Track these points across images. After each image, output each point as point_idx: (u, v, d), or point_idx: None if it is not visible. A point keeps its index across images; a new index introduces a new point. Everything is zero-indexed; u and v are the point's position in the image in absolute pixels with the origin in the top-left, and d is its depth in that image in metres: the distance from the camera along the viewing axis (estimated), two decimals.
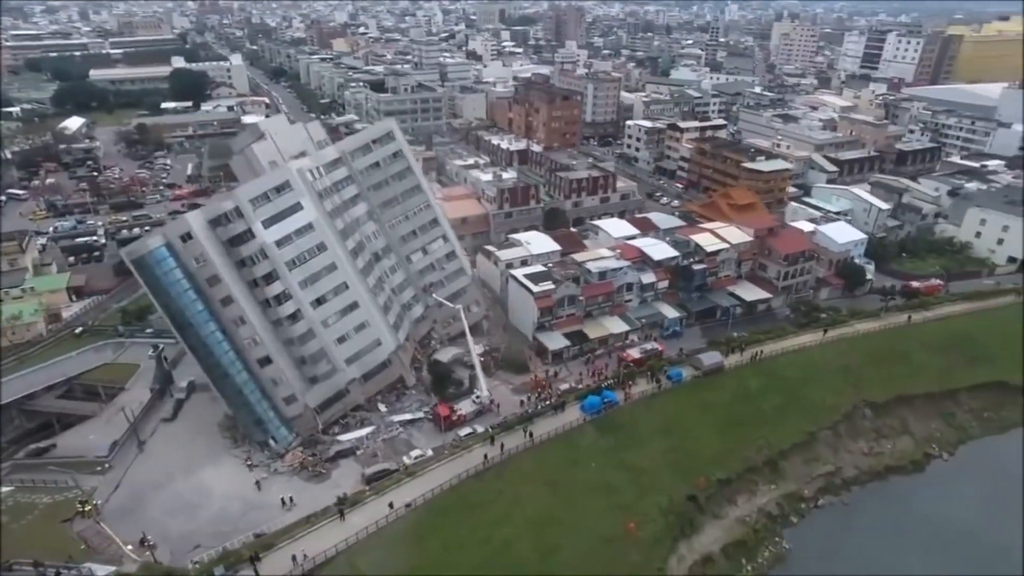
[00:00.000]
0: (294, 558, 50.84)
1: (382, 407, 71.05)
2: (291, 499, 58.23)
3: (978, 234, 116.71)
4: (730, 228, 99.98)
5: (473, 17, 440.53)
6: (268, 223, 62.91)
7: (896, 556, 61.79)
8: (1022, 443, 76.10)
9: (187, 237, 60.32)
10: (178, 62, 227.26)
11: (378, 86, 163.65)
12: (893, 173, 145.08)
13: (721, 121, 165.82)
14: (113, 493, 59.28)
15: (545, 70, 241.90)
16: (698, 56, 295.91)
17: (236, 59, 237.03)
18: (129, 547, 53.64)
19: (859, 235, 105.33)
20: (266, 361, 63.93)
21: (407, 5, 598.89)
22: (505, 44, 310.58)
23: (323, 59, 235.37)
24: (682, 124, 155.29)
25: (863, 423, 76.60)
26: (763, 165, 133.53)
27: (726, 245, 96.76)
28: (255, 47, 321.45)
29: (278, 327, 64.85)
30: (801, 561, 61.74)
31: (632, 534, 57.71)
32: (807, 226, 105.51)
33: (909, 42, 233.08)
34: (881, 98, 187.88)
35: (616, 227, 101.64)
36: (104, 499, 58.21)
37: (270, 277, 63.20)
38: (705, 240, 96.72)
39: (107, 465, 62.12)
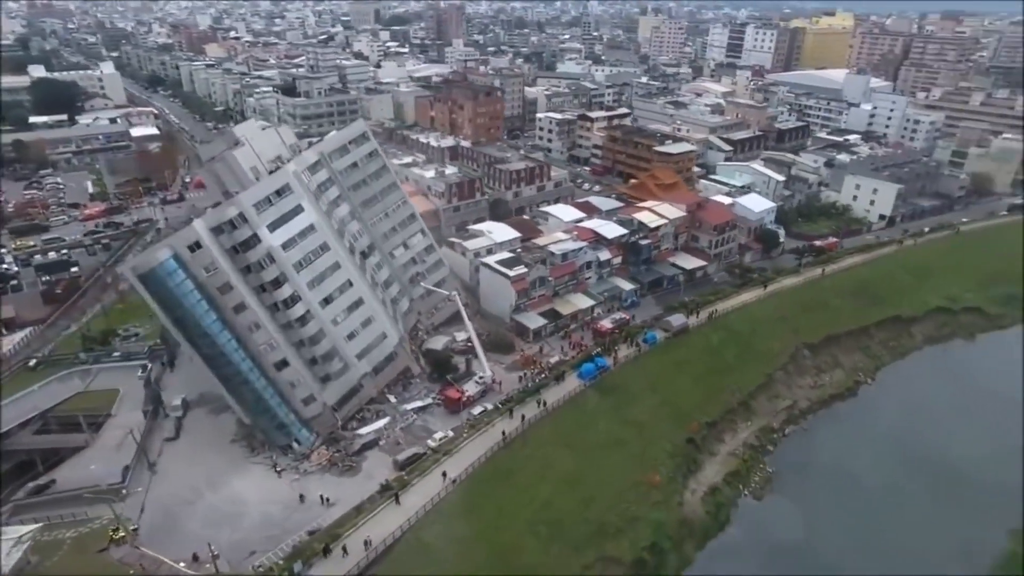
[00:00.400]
0: (366, 543, 52.73)
1: (392, 398, 73.05)
2: (327, 499, 59.02)
3: (855, 197, 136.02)
4: (664, 205, 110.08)
5: (346, 18, 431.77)
6: (272, 227, 63.10)
7: (852, 462, 73.59)
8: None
9: (196, 247, 59.26)
10: (38, 71, 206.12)
11: (289, 90, 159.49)
12: (774, 150, 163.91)
13: (626, 110, 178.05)
14: (141, 516, 57.31)
15: (438, 69, 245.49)
16: (579, 50, 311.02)
17: (108, 67, 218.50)
18: (182, 564, 52.74)
19: (770, 204, 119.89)
20: (283, 364, 64.10)
21: (269, 7, 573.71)
22: (389, 45, 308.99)
23: (209, 66, 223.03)
24: (592, 114, 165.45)
25: (805, 362, 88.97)
26: (672, 148, 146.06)
27: (664, 221, 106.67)
28: (116, 54, 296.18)
29: (288, 330, 65.08)
30: (783, 479, 71.76)
31: (654, 483, 64.59)
32: (725, 199, 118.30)
33: (765, 33, 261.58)
34: (754, 84, 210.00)
35: (564, 212, 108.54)
36: (135, 523, 56.21)
37: (278, 281, 63.30)
38: (647, 217, 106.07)
39: (124, 491, 59.66)
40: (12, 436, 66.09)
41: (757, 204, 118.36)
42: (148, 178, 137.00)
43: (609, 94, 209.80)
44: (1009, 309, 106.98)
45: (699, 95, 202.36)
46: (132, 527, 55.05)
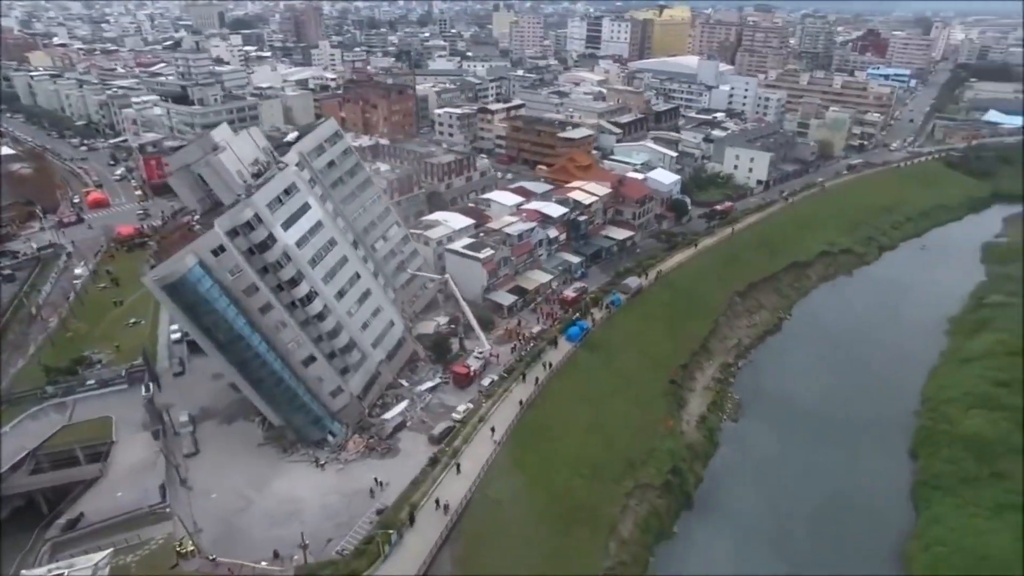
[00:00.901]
0: (437, 502, 56.41)
1: (404, 382, 75.65)
2: (381, 482, 61.25)
3: (735, 167, 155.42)
4: (591, 184, 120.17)
5: (184, 22, 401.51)
6: (285, 226, 63.52)
7: (793, 380, 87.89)
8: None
9: (219, 251, 58.49)
10: None
11: (180, 98, 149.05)
12: (654, 130, 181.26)
13: (520, 101, 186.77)
14: (197, 529, 56.15)
15: (312, 72, 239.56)
16: (443, 47, 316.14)
17: None
18: (263, 563, 53.03)
19: (676, 177, 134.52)
20: (310, 360, 64.78)
21: (81, 9, 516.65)
22: (246, 48, 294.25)
23: (54, 76, 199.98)
24: (492, 107, 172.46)
25: (738, 307, 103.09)
26: (573, 133, 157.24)
27: (595, 198, 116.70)
28: None
29: (307, 327, 65.73)
30: (748, 403, 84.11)
31: (669, 427, 73.66)
32: (638, 175, 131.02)
33: (620, 25, 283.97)
34: (624, 72, 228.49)
35: (504, 197, 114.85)
36: (195, 537, 55.10)
37: (295, 279, 63.82)
38: (580, 196, 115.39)
39: (168, 509, 57.78)
40: (6, 480, 60.67)
41: (665, 178, 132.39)
42: (30, 201, 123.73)
43: (492, 88, 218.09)
44: (871, 248, 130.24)
45: (577, 84, 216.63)
46: (197, 539, 53.99)
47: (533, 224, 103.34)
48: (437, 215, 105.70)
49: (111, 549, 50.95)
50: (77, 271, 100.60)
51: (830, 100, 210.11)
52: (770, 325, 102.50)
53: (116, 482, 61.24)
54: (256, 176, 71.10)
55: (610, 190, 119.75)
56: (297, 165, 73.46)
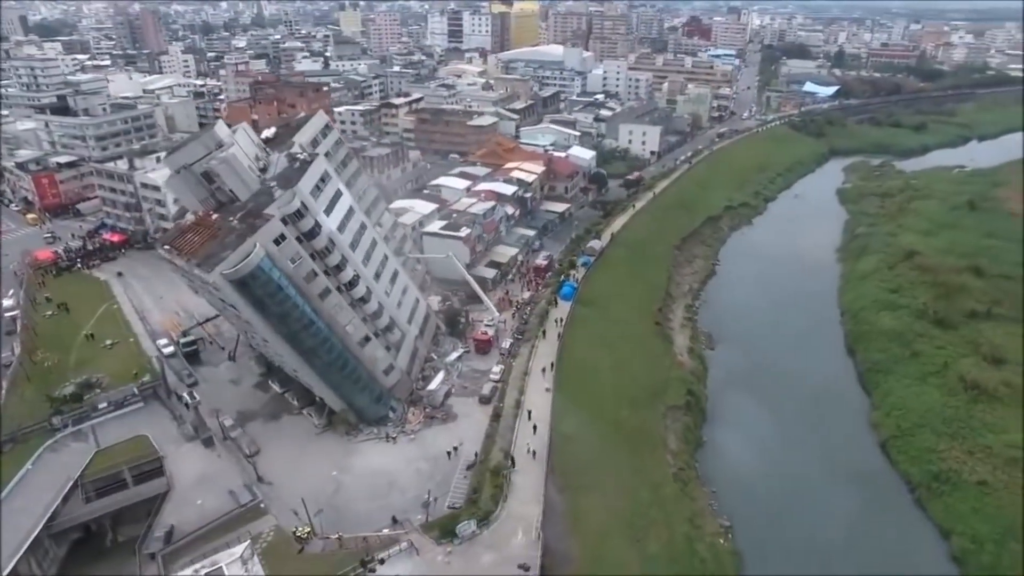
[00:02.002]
0: (528, 448, 61.86)
1: (434, 356, 78.86)
2: (454, 448, 65.08)
3: (629, 141, 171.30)
4: (527, 164, 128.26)
5: None
6: (326, 213, 64.52)
7: (739, 312, 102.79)
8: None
9: (280, 239, 58.57)
10: None
11: (61, 110, 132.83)
12: (542, 113, 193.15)
13: (419, 95, 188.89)
14: (317, 512, 56.47)
15: (172, 80, 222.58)
16: (300, 48, 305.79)
17: None
18: (385, 530, 55.11)
19: (592, 152, 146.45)
20: (365, 341, 66.33)
21: None
22: (77, 57, 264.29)
23: None
24: (395, 101, 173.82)
25: (680, 258, 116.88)
26: (481, 121, 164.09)
27: (535, 176, 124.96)
28: None
29: (353, 309, 67.18)
30: (714, 335, 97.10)
31: (682, 365, 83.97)
32: (560, 154, 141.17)
33: (480, 19, 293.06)
34: (501, 64, 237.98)
35: (453, 183, 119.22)
36: (306, 521, 55.57)
37: (340, 264, 65.09)
38: (521, 175, 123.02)
39: (262, 506, 57.36)
40: (62, 513, 56.33)
41: (584, 154, 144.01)
42: None
43: (375, 85, 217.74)
44: (759, 200, 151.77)
45: (459, 76, 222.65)
46: (307, 526, 54.54)
47: (493, 203, 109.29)
48: (401, 203, 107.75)
49: (248, 541, 50.54)
50: (6, 302, 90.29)
51: (685, 79, 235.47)
52: (707, 271, 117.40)
53: (188, 492, 59.17)
54: (263, 171, 70.74)
55: (544, 168, 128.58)
56: (326, 155, 73.47)
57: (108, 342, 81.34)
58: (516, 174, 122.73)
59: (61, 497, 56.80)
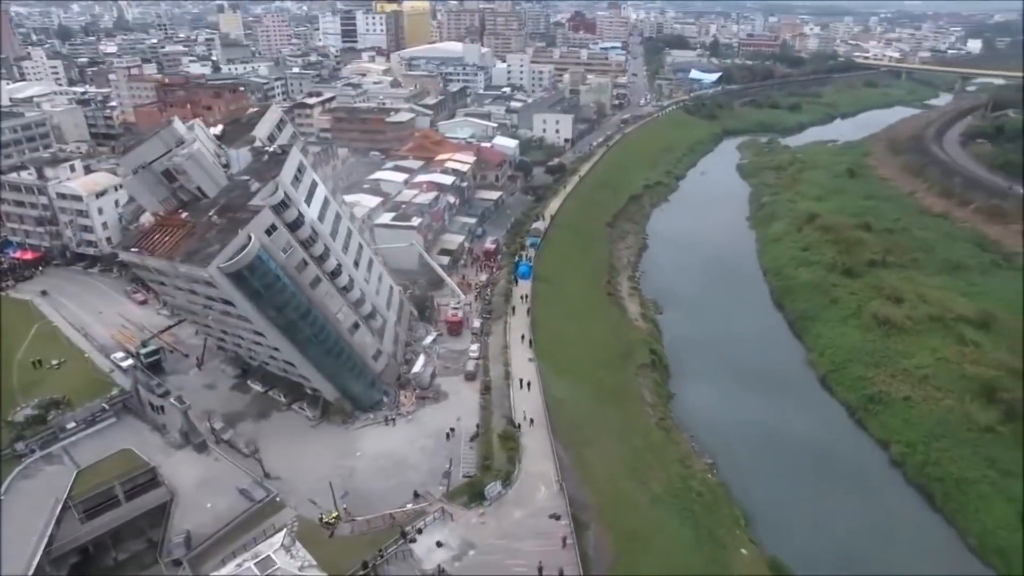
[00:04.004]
0: (524, 415, 65.18)
1: (410, 341, 79.98)
2: (458, 419, 67.16)
3: (544, 130, 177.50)
4: (458, 155, 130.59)
5: None
6: (307, 203, 64.29)
7: (673, 278, 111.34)
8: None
9: (272, 229, 57.98)
10: None
11: None
12: (453, 108, 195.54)
13: (332, 94, 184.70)
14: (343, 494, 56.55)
15: (39, 88, 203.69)
16: (183, 52, 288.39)
17: None
18: (409, 505, 56.45)
19: (515, 142, 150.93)
20: (355, 328, 66.71)
21: None
22: None
23: None
24: (309, 101, 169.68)
25: (614, 234, 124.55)
26: (399, 117, 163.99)
27: (468, 166, 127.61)
28: None
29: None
30: (660, 299, 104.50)
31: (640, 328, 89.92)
32: (486, 144, 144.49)
33: (374, 18, 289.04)
34: (404, 62, 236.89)
35: (392, 176, 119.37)
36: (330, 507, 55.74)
37: (325, 254, 65.07)
38: (455, 166, 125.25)
39: (278, 499, 56.85)
40: (58, 538, 53.02)
41: (508, 143, 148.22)
42: None
43: (278, 85, 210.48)
44: (671, 179, 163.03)
45: (364, 75, 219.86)
46: (343, 507, 54.90)
47: (436, 193, 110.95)
48: (349, 197, 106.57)
49: (285, 528, 50.25)
50: None
51: (585, 69, 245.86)
52: (640, 244, 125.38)
53: (193, 498, 57.46)
54: (225, 167, 69.37)
55: (475, 158, 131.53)
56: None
57: (54, 362, 75.69)
58: (450, 165, 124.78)
59: (54, 521, 53.38)
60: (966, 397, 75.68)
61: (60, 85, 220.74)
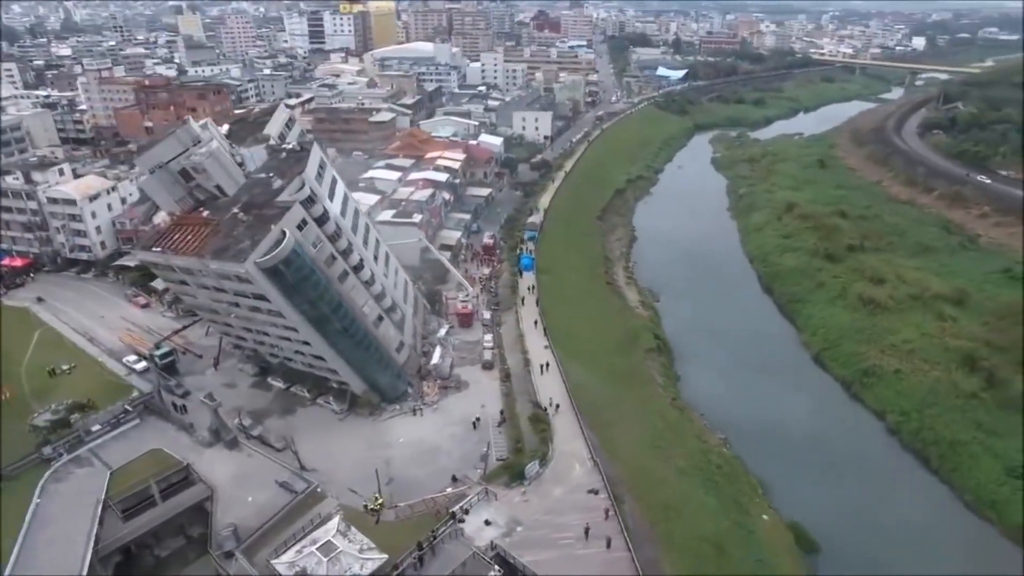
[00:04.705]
0: (549, 400, 67.48)
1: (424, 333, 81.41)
2: (482, 406, 69.06)
3: (523, 128, 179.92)
4: (448, 152, 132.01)
5: None
6: (329, 198, 65.25)
7: (666, 269, 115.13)
8: None
9: (303, 224, 58.83)
10: None
11: None
12: (430, 107, 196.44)
13: (311, 95, 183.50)
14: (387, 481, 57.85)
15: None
16: (144, 54, 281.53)
17: None
18: (448, 489, 58.00)
19: (500, 139, 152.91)
20: (379, 320, 67.94)
21: None
22: None
23: None
24: (290, 102, 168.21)
25: (604, 227, 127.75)
26: (380, 117, 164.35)
27: (459, 163, 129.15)
28: None
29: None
30: (656, 288, 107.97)
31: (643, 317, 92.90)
32: (472, 142, 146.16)
33: (342, 19, 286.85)
34: (377, 62, 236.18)
35: (386, 174, 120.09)
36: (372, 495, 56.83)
37: (348, 248, 66.11)
38: (446, 163, 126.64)
39: (319, 490, 57.77)
40: (103, 539, 53.04)
41: (494, 141, 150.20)
42: None
43: (251, 87, 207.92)
44: (651, 172, 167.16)
45: (337, 76, 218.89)
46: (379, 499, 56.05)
47: (432, 190, 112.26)
48: None
49: (339, 514, 51.32)
50: None
51: (558, 68, 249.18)
52: (629, 236, 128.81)
53: (232, 493, 57.85)
54: (240, 165, 69.76)
55: (465, 155, 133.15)
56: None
57: (65, 367, 74.64)
58: (442, 162, 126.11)
59: (98, 521, 53.38)
60: (951, 367, 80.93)
61: (17, 89, 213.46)
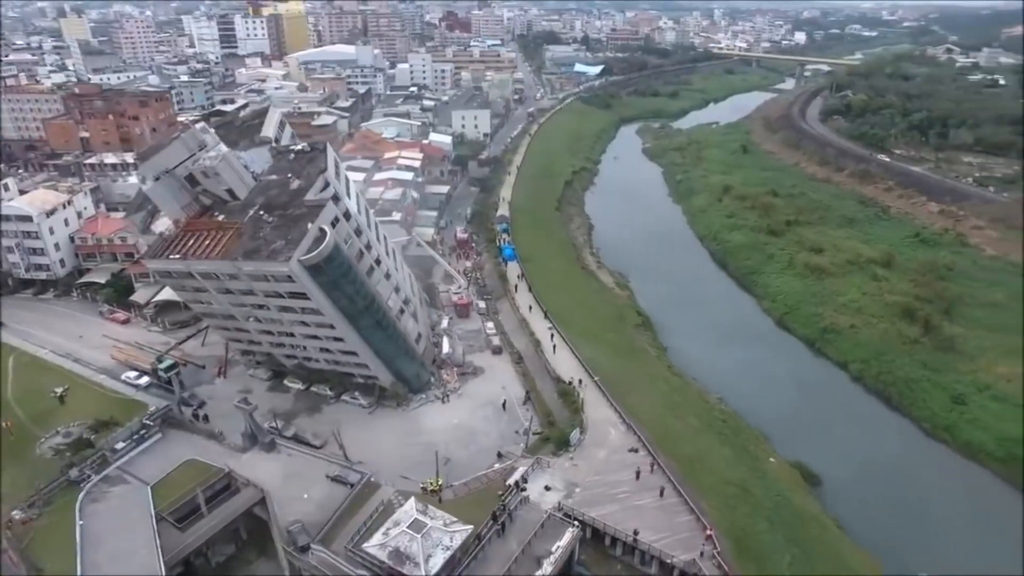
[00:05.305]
0: (570, 376, 72.01)
1: None
2: (503, 387, 72.56)
3: (463, 126, 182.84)
4: (406, 151, 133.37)
5: None
6: (347, 196, 66.39)
7: (627, 252, 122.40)
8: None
9: (335, 221, 59.85)
10: None
11: None
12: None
13: (244, 101, 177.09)
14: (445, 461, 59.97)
15: None
16: (34, 60, 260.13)
17: None
18: (496, 465, 61.07)
19: (450, 138, 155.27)
20: (400, 313, 69.71)
21: None
22: None
23: None
24: (225, 108, 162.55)
25: (563, 216, 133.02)
26: (322, 121, 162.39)
27: (418, 162, 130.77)
28: None
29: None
30: (626, 271, 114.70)
31: (618, 297, 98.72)
32: (425, 140, 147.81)
33: (254, 22, 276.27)
34: (302, 66, 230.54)
35: (351, 175, 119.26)
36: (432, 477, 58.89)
37: (368, 244, 67.57)
38: (405, 163, 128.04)
39: (373, 479, 59.14)
40: (165, 551, 52.29)
41: (444, 140, 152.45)
42: None
43: (171, 96, 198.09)
44: (591, 164, 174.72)
45: (263, 80, 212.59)
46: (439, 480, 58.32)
47: (403, 189, 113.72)
48: None
49: (412, 496, 53.15)
50: None
51: (486, 67, 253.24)
52: (587, 225, 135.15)
53: (284, 492, 58.05)
54: (244, 167, 69.50)
55: (422, 154, 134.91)
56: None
57: (58, 390, 71.10)
58: (402, 161, 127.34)
59: (156, 534, 52.50)
60: (893, 320, 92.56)
61: None
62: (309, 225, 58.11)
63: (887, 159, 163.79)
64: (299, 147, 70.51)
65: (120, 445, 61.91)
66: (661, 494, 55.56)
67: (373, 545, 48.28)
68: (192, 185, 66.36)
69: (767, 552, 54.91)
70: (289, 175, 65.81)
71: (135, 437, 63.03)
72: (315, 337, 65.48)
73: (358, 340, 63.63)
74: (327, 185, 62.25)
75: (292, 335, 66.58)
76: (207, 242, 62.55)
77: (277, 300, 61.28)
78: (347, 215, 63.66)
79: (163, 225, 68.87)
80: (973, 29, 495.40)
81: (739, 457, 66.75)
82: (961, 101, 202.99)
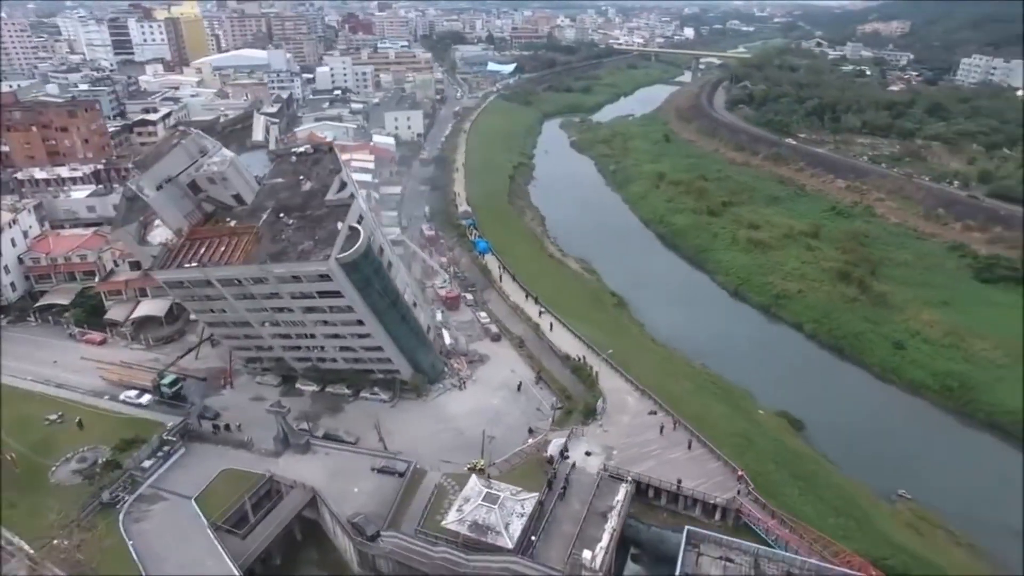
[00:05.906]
0: (575, 353, 76.72)
1: None
2: (513, 371, 76.23)
3: (396, 127, 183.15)
4: (358, 153, 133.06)
5: None
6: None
7: (580, 239, 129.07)
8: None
9: (360, 219, 61.04)
10: None
11: None
12: (278, 114, 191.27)
13: (167, 110, 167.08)
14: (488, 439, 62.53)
15: None
16: None
17: None
18: (530, 440, 64.78)
19: (393, 140, 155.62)
20: (413, 306, 71.59)
21: None
22: None
23: None
24: (150, 117, 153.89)
25: (515, 210, 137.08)
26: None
27: (371, 164, 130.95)
28: None
29: None
30: (587, 260, 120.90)
31: (590, 281, 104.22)
32: (368, 142, 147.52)
33: (151, 27, 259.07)
34: (216, 72, 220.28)
35: None
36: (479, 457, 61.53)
37: (381, 244, 69.02)
38: (361, 164, 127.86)
39: (418, 466, 61.01)
40: (247, 554, 52.14)
41: (388, 141, 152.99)
42: None
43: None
44: (527, 158, 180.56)
45: (176, 88, 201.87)
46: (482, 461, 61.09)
47: (366, 191, 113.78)
48: None
49: (473, 474, 55.64)
50: None
51: (407, 68, 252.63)
52: (540, 216, 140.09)
53: (334, 489, 58.92)
54: None
55: (373, 156, 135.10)
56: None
57: (52, 416, 67.49)
58: (355, 164, 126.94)
59: (220, 543, 52.17)
60: (833, 282, 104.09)
61: None
62: (339, 224, 59.16)
63: (794, 143, 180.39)
64: (301, 149, 70.48)
65: (148, 463, 60.26)
66: (689, 447, 61.46)
67: (451, 521, 50.80)
68: (195, 192, 65.14)
69: (779, 487, 61.97)
70: (300, 177, 66.02)
71: (160, 454, 61.44)
72: (336, 336, 66.20)
73: (385, 335, 65.09)
74: (344, 185, 63.29)
75: (312, 336, 66.90)
76: (223, 248, 61.93)
77: (303, 301, 61.74)
78: (361, 218, 64.93)
79: (160, 236, 66.45)
80: (832, 26, 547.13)
81: (734, 412, 74.02)
82: (843, 89, 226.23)
